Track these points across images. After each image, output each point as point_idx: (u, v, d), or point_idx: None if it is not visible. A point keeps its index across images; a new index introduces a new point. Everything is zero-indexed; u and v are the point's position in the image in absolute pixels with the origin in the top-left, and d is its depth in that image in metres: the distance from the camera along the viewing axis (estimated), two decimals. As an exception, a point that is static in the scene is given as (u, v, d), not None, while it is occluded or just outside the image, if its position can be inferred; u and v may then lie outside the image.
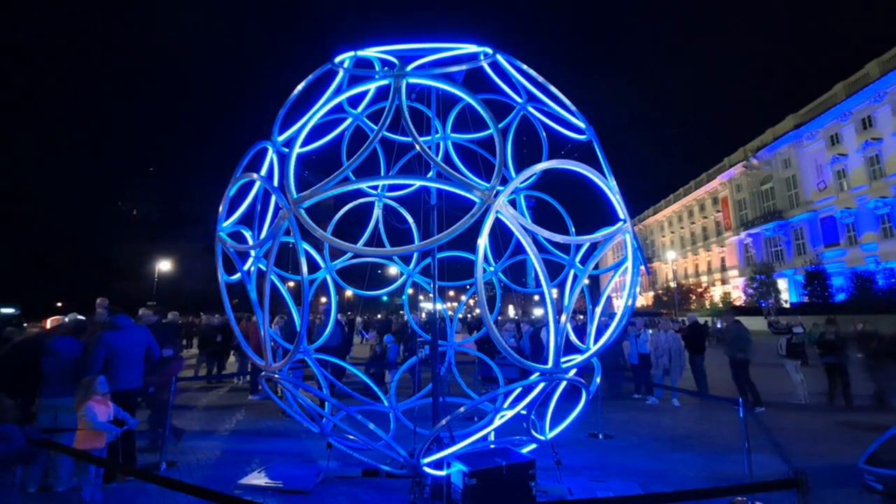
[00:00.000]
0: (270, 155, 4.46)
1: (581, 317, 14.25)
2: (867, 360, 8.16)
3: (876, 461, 3.63)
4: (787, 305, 35.26)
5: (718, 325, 24.26)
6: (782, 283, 38.76)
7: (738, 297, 41.85)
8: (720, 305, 41.33)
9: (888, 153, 30.52)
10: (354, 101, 5.19)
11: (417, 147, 3.41)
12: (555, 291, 3.74)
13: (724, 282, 47.97)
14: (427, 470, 3.78)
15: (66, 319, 5.05)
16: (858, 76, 32.87)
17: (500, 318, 23.74)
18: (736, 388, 8.23)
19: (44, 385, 4.41)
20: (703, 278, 52.26)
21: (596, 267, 4.34)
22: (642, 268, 4.21)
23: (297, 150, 3.76)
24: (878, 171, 31.43)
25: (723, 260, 49.36)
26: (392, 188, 6.08)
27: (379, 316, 28.72)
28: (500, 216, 3.17)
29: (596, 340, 4.09)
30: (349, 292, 6.59)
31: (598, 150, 4.28)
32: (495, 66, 4.44)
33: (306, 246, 3.83)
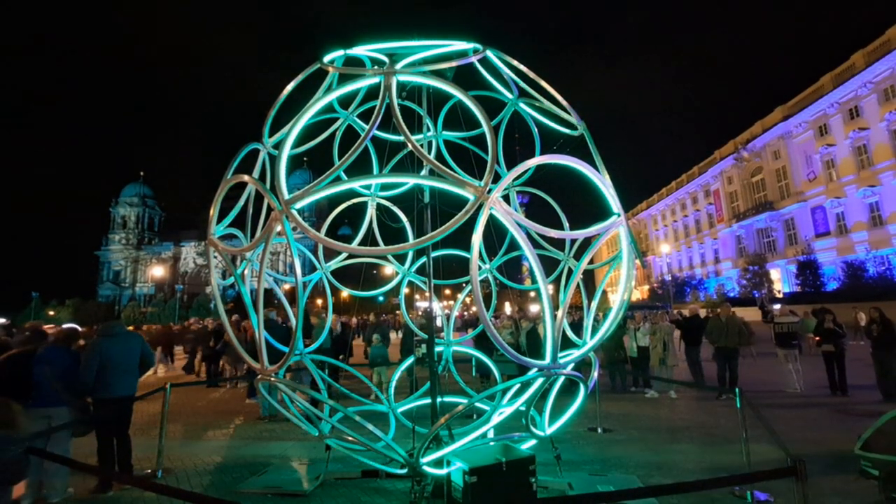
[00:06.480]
0: (262, 156, 4.41)
1: (576, 312, 14.28)
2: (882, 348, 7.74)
3: (871, 447, 3.67)
4: (780, 295, 35.60)
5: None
6: (775, 274, 39.13)
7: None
8: (714, 298, 41.64)
9: (875, 142, 30.86)
10: (346, 101, 5.15)
11: (409, 145, 3.38)
12: (550, 287, 3.73)
13: (718, 273, 48.35)
14: (427, 469, 3.76)
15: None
16: (844, 67, 33.21)
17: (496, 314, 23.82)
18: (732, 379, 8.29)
19: (35, 394, 4.34)
20: (698, 270, 52.63)
21: (590, 262, 4.33)
22: (637, 261, 4.21)
23: (287, 150, 3.72)
24: (865, 161, 31.79)
25: (716, 252, 49.73)
26: (385, 187, 6.04)
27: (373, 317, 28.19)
28: (493, 212, 3.15)
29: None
30: (345, 293, 6.53)
31: (590, 145, 4.28)
32: (486, 62, 4.42)
33: (301, 248, 3.80)
